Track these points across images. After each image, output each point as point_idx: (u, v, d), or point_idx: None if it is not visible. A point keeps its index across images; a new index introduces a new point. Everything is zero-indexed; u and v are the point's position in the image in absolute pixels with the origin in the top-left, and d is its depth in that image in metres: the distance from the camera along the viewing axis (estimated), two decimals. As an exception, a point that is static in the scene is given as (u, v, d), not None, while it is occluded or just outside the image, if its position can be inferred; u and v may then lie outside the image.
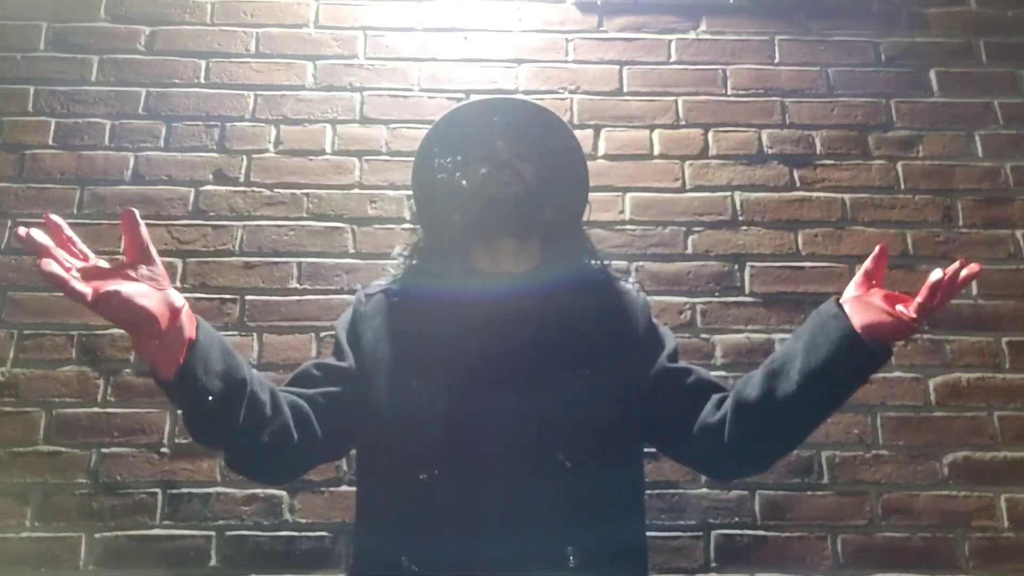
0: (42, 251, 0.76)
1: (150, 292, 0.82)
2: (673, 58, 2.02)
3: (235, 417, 0.93)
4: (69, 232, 0.81)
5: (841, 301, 0.99)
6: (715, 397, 1.13)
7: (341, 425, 1.12)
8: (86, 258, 0.81)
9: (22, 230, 0.77)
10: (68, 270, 0.77)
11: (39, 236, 0.77)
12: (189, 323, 0.87)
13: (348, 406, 1.12)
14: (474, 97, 1.33)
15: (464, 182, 1.23)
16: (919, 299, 0.90)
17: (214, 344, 0.90)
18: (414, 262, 1.29)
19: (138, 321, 0.81)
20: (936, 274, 0.89)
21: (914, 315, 0.90)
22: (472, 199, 1.21)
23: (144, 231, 0.83)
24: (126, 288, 0.79)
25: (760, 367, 1.07)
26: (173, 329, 0.84)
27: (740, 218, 1.88)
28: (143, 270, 0.83)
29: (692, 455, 1.21)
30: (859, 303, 0.96)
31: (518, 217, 1.20)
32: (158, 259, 0.84)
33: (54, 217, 0.81)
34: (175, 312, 0.84)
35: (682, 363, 1.21)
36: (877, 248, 0.97)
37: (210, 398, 0.89)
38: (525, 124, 1.25)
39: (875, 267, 0.98)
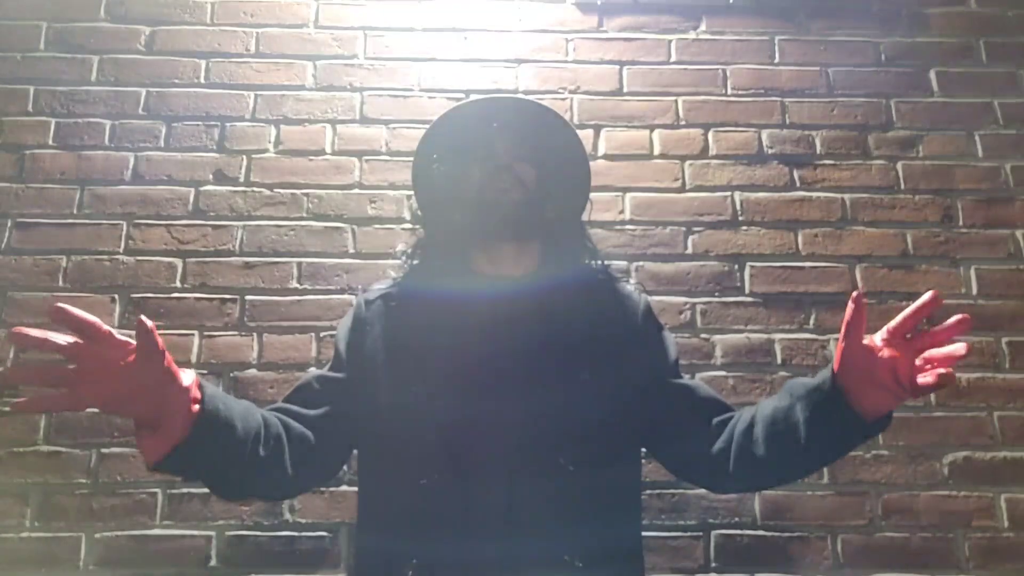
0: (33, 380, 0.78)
1: (148, 390, 0.82)
2: (673, 58, 2.02)
3: (227, 483, 0.99)
4: (85, 316, 0.79)
5: (837, 371, 0.93)
6: (715, 421, 1.12)
7: (341, 442, 1.15)
8: (102, 333, 0.80)
9: (22, 331, 0.76)
10: (75, 373, 0.79)
11: (36, 371, 0.78)
12: (184, 420, 0.86)
13: (347, 421, 1.13)
14: (474, 97, 1.32)
15: (464, 185, 1.23)
16: (921, 383, 0.86)
17: (209, 435, 0.89)
18: (415, 263, 1.29)
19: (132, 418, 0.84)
20: (930, 376, 0.85)
21: (915, 390, 0.87)
22: (472, 204, 1.21)
23: (157, 343, 0.82)
24: (115, 396, 0.81)
25: (760, 419, 1.04)
26: (164, 429, 0.85)
27: (740, 218, 1.88)
28: (147, 367, 0.82)
29: (689, 473, 1.22)
30: (858, 379, 0.91)
31: (518, 222, 1.19)
32: (166, 360, 0.84)
33: (63, 306, 0.77)
34: (176, 406, 0.85)
35: (684, 379, 1.21)
36: (851, 302, 0.89)
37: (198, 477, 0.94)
38: (525, 124, 1.24)
39: (857, 321, 0.90)
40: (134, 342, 0.81)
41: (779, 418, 1.01)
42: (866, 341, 0.90)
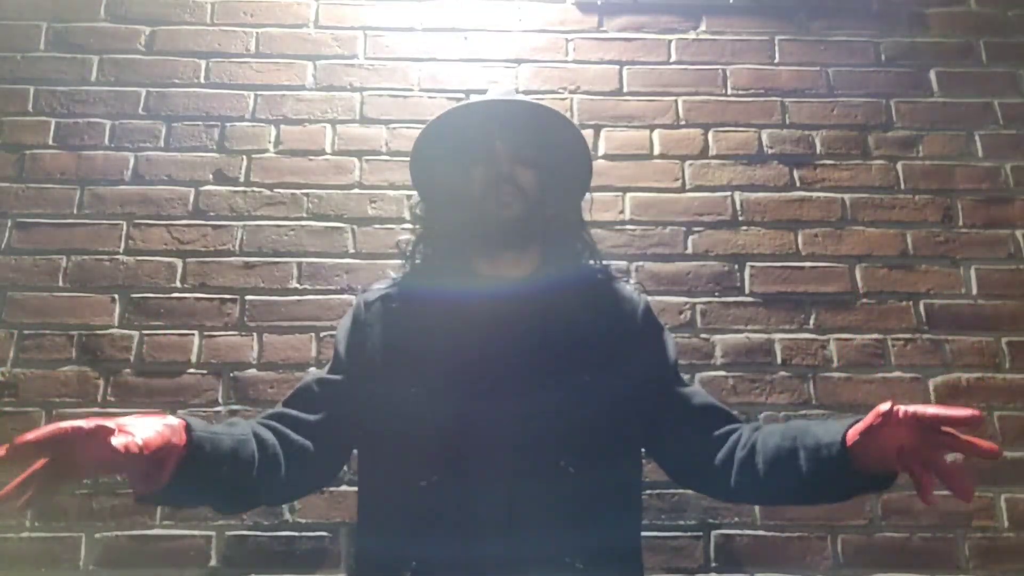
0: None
1: (123, 459, 0.80)
2: (673, 58, 2.02)
3: (220, 506, 1.02)
4: (45, 433, 0.75)
5: (849, 439, 0.92)
6: (716, 434, 1.12)
7: (340, 446, 1.17)
8: (69, 435, 0.77)
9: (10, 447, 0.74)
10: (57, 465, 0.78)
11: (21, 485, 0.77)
12: (164, 470, 0.85)
13: (347, 424, 1.14)
14: (474, 98, 1.32)
15: (464, 187, 1.21)
16: (918, 484, 0.87)
17: (191, 477, 0.89)
18: (417, 262, 1.28)
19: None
20: (927, 493, 0.86)
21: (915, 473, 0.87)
22: (472, 210, 1.20)
23: (144, 464, 0.82)
24: (86, 469, 0.79)
25: (761, 450, 1.03)
26: (149, 479, 0.85)
27: (740, 218, 1.88)
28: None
29: (687, 480, 1.23)
30: (867, 449, 0.90)
31: (517, 235, 1.19)
32: (152, 453, 0.82)
33: (22, 440, 0.74)
34: (163, 458, 0.85)
35: (682, 386, 1.20)
36: (880, 414, 0.89)
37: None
38: (525, 124, 1.23)
39: (880, 426, 0.90)
40: (109, 423, 0.79)
41: (782, 459, 1.00)
42: (884, 408, 0.88)
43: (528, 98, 1.31)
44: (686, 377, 1.24)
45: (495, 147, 1.20)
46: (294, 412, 1.12)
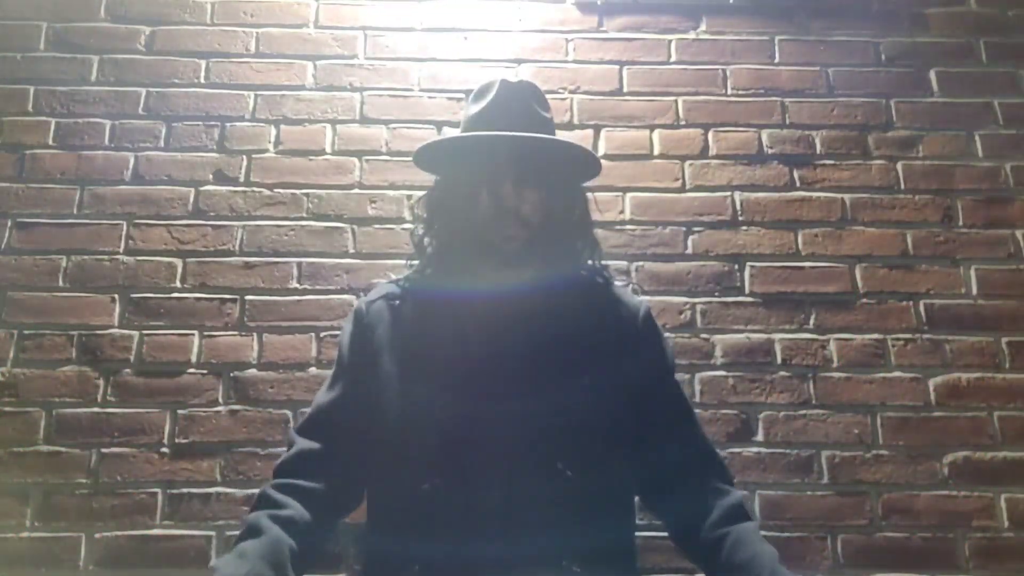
0: None
1: None
2: (673, 58, 2.02)
3: None
4: None
5: None
6: (701, 484, 1.12)
7: (359, 466, 1.16)
8: None
9: None
10: None
11: None
12: None
13: (360, 442, 1.14)
14: (473, 97, 1.31)
15: (468, 203, 1.18)
16: None
17: None
18: (416, 263, 1.28)
19: None
20: None
21: None
22: (475, 233, 1.17)
23: None
24: None
25: (727, 550, 1.03)
26: None
27: (740, 218, 1.88)
28: None
29: (651, 500, 1.20)
30: None
31: (518, 262, 1.16)
32: None
33: None
34: None
35: (686, 415, 1.20)
36: None
37: None
38: (533, 149, 1.18)
39: None
40: None
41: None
42: None
43: (536, 135, 1.21)
44: (685, 378, 1.24)
45: (501, 176, 1.16)
46: (312, 446, 1.13)
